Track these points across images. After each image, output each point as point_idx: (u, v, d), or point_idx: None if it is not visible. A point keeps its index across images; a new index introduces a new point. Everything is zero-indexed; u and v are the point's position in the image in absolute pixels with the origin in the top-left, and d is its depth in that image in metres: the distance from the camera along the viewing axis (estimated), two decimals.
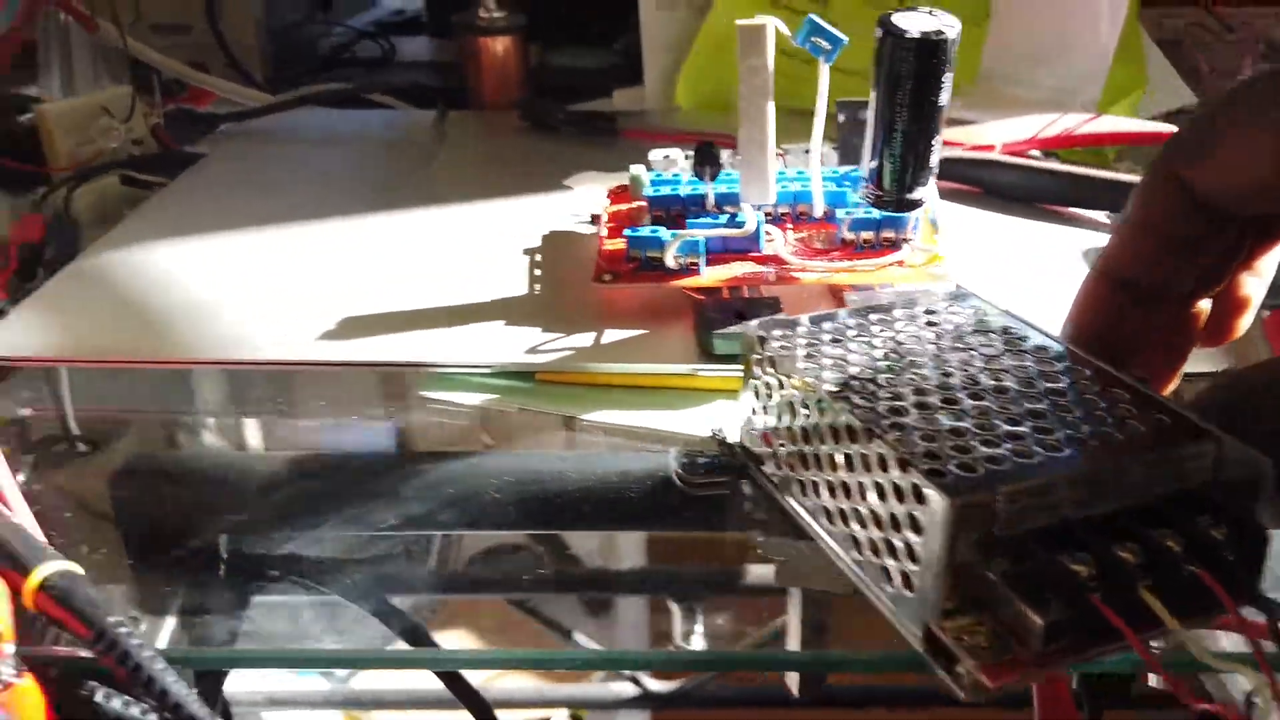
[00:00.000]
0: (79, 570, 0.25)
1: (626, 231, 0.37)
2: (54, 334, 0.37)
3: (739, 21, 0.37)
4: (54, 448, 0.34)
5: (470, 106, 0.63)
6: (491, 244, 0.44)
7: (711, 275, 0.37)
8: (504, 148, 0.57)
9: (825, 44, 0.37)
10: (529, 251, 0.43)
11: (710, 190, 0.39)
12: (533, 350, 0.36)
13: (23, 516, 0.27)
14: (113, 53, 0.66)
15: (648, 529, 0.33)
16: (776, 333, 0.29)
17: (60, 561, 0.25)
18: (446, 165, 0.55)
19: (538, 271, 0.41)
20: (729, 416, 0.33)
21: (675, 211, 0.40)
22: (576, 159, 0.53)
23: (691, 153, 0.45)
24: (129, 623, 0.24)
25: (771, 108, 0.37)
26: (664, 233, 0.37)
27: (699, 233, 0.37)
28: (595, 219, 0.45)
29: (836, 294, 0.38)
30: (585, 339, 0.36)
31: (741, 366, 0.29)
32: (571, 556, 0.32)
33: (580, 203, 0.47)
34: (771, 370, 0.28)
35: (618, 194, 0.43)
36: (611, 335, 0.36)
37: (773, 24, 0.36)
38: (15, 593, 0.25)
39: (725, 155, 0.39)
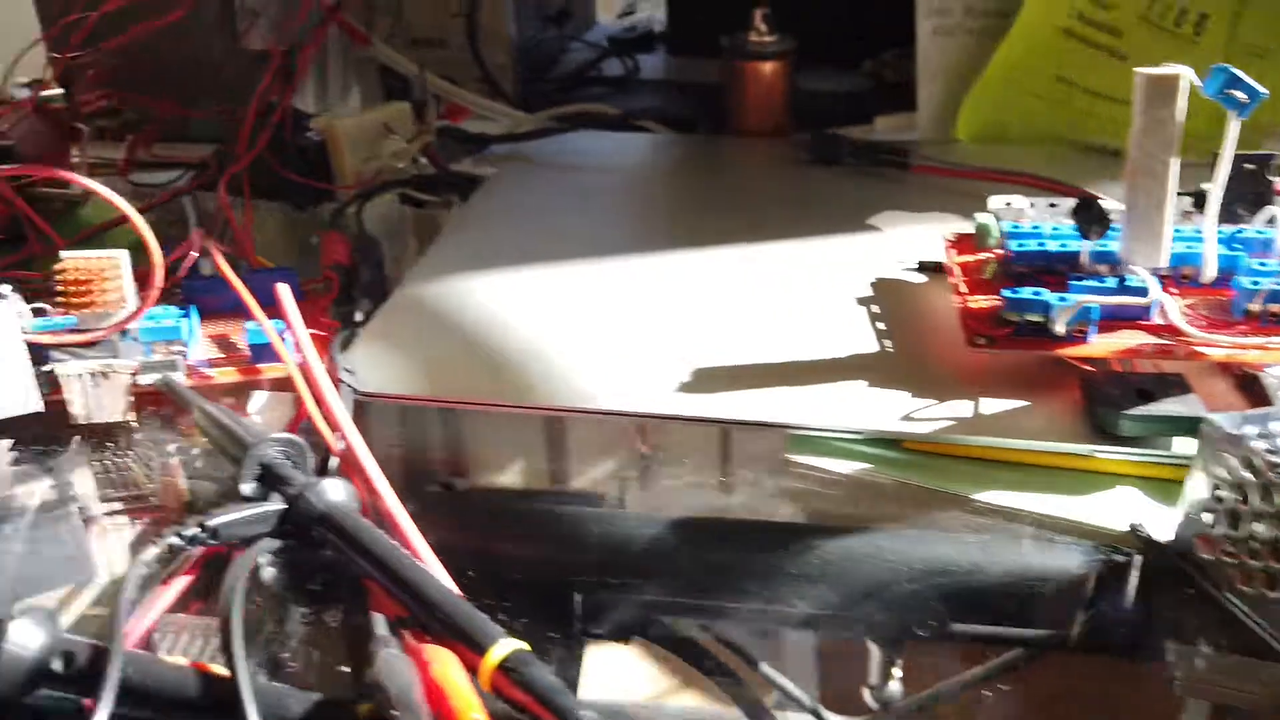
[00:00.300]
0: (529, 649, 0.24)
1: (1005, 292, 0.35)
2: (400, 370, 0.37)
3: (1143, 71, 0.34)
4: (427, 488, 0.33)
5: (729, 131, 0.61)
6: (814, 289, 0.42)
7: (1102, 345, 0.34)
8: (784, 179, 0.55)
9: (1242, 96, 0.33)
10: (863, 302, 0.40)
11: (1085, 248, 0.36)
12: (906, 418, 0.34)
13: (447, 583, 0.26)
14: (367, 66, 0.67)
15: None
16: (1250, 429, 0.26)
17: (512, 640, 0.24)
18: (729, 196, 0.53)
19: (880, 325, 0.39)
20: (1149, 509, 0.31)
21: (1040, 268, 0.37)
22: (868, 195, 0.51)
23: (1028, 199, 0.42)
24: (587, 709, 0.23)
25: (1176, 165, 0.34)
26: (1049, 295, 0.34)
27: (1092, 299, 0.34)
28: (926, 267, 0.42)
29: (1235, 372, 0.35)
30: (960, 407, 0.34)
31: (1159, 452, 0.26)
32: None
33: (897, 245, 0.45)
34: (1257, 473, 0.25)
35: (960, 243, 0.41)
36: (989, 405, 0.34)
37: (1187, 76, 0.33)
38: (470, 670, 0.24)
39: (1104, 207, 0.36)
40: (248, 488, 0.29)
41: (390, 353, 0.38)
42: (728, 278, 0.43)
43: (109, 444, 0.34)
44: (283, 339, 0.36)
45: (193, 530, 0.26)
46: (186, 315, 0.39)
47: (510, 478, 0.35)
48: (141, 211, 0.51)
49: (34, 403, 0.32)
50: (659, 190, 0.55)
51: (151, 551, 0.25)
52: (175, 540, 0.25)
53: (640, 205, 0.52)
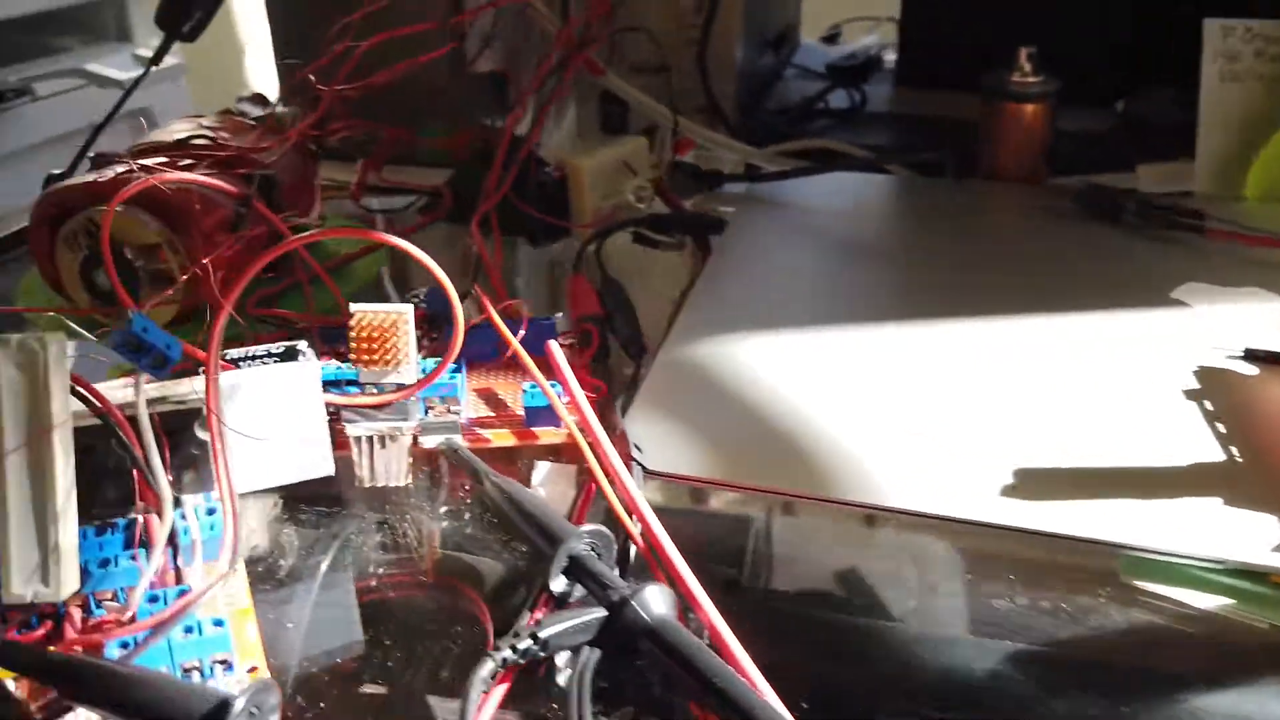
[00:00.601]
0: None
1: None
2: (682, 446, 0.34)
3: None
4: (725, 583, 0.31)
5: (979, 174, 0.57)
6: (1124, 374, 0.37)
7: None
8: (1056, 235, 0.50)
9: None
10: (1190, 395, 0.36)
11: None
12: (1278, 549, 0.29)
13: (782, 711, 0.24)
14: (588, 93, 0.66)
15: None
16: None
17: None
18: (999, 253, 0.49)
19: (1219, 427, 0.34)
20: None
21: None
22: (1158, 261, 0.46)
23: None
24: None
25: None
26: None
27: None
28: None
29: None
30: None
31: None
32: None
33: (1209, 325, 0.40)
34: None
35: None
36: None
37: None
38: None
39: None
40: (558, 584, 0.27)
41: (668, 425, 0.35)
42: (1022, 354, 0.39)
43: (384, 506, 0.33)
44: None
45: (525, 643, 0.24)
46: (459, 369, 0.37)
47: (802, 579, 0.32)
48: (372, 250, 0.52)
49: (328, 466, 0.31)
50: (920, 242, 0.51)
51: (488, 667, 0.23)
52: (509, 654, 0.24)
53: (903, 259, 0.49)
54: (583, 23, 0.52)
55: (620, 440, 0.33)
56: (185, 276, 0.41)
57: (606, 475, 0.31)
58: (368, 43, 0.46)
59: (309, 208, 0.52)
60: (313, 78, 0.47)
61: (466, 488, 0.34)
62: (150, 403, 0.28)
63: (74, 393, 0.26)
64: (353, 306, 0.34)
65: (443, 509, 0.34)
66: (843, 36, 0.89)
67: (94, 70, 0.73)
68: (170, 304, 0.43)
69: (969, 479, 0.32)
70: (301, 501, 0.33)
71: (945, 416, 0.36)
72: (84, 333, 0.29)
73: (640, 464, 0.32)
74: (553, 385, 0.35)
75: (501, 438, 0.35)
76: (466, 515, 0.33)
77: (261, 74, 1.35)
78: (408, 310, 0.34)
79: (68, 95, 0.83)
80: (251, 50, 1.28)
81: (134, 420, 0.27)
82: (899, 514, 0.32)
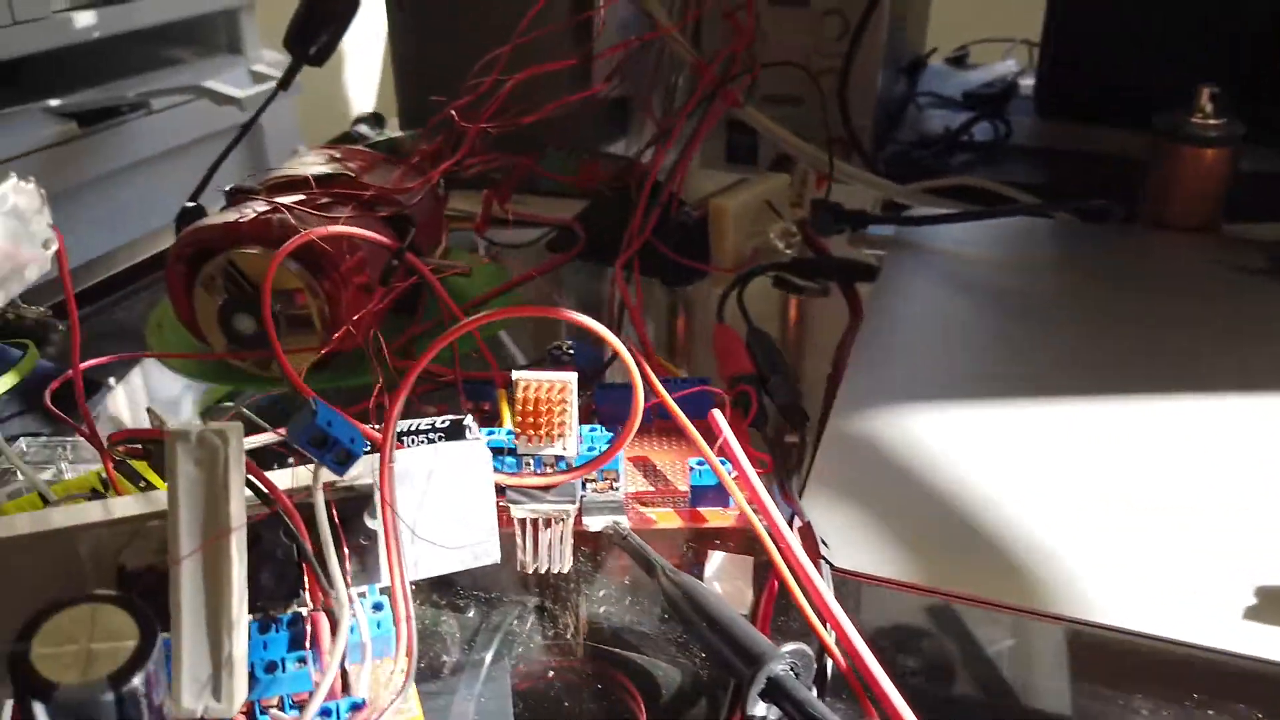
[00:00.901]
0: None
1: None
2: (868, 540, 0.31)
3: None
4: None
5: (1141, 218, 0.53)
6: None
7: None
8: (1247, 293, 0.45)
9: None
10: None
11: None
12: None
13: None
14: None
15: None
16: None
17: None
18: (1193, 317, 0.44)
19: None
20: None
21: None
22: None
23: None
24: None
25: None
26: None
27: None
28: None
29: None
30: None
31: None
32: None
33: None
34: None
35: None
36: None
37: None
38: None
39: None
40: (757, 709, 0.25)
41: (849, 512, 0.32)
42: (1235, 436, 0.35)
43: (545, 592, 0.31)
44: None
45: None
46: (613, 435, 0.35)
47: (1009, 696, 0.29)
48: (517, 283, 0.50)
49: (495, 553, 0.29)
50: (1096, 298, 0.46)
51: None
52: None
53: (1080, 318, 0.44)
54: (727, 56, 0.50)
55: (806, 533, 0.30)
56: (332, 326, 0.39)
57: (793, 572, 0.28)
58: (514, 78, 0.44)
59: (437, 242, 0.50)
60: (454, 113, 0.45)
61: (632, 575, 0.32)
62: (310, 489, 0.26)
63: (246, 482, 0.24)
64: (515, 374, 0.32)
65: (609, 599, 0.31)
66: (969, 58, 0.85)
67: (212, 87, 0.73)
68: (310, 350, 0.41)
69: (1200, 592, 0.29)
70: (458, 586, 0.30)
71: (1160, 510, 0.32)
72: (263, 423, 0.27)
73: (829, 562, 0.30)
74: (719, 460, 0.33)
75: (665, 518, 0.33)
76: (635, 607, 0.31)
77: (361, 87, 1.36)
78: (571, 380, 0.32)
79: (180, 108, 0.83)
80: (355, 66, 1.28)
81: (300, 506, 0.25)
82: (1124, 634, 0.28)
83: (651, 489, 0.34)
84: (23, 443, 0.36)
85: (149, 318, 0.46)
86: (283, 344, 0.41)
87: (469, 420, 0.30)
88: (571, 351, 0.41)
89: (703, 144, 0.68)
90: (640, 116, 0.68)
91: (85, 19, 0.76)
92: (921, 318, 0.45)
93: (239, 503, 0.22)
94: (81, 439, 0.35)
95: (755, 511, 0.31)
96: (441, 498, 0.28)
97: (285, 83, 0.57)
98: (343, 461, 0.23)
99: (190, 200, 0.61)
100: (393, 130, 0.73)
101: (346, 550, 0.25)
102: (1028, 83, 0.74)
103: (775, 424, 0.39)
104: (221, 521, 0.22)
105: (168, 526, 0.22)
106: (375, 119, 0.73)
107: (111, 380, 0.43)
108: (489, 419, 0.38)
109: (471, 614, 0.30)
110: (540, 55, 0.62)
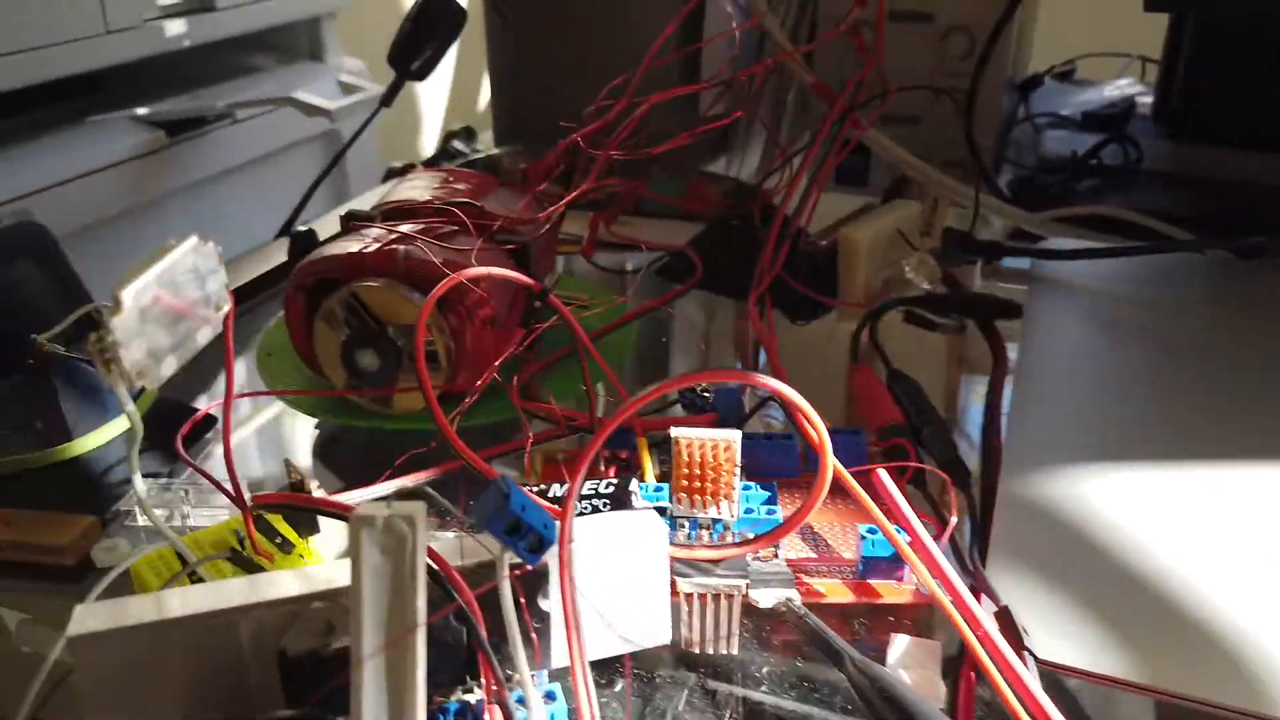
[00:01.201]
0: None
1: None
2: (1065, 625, 0.28)
3: None
4: None
5: None
6: None
7: None
8: None
9: None
10: None
11: None
12: None
13: None
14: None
15: None
16: None
17: None
18: None
19: None
20: None
21: None
22: None
23: None
24: None
25: None
26: None
27: None
28: None
29: None
30: None
31: None
32: None
33: None
34: None
35: None
36: None
37: None
38: None
39: None
40: None
41: (1038, 592, 0.30)
42: None
43: (713, 673, 0.29)
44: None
45: None
46: (769, 493, 0.33)
47: None
48: (637, 315, 0.47)
49: (666, 632, 0.26)
50: (1268, 346, 0.43)
51: None
52: None
53: (1256, 369, 0.41)
54: (855, 84, 0.47)
55: (1004, 618, 0.27)
56: (456, 363, 0.37)
57: (994, 663, 0.26)
58: (649, 100, 0.42)
59: (549, 268, 0.48)
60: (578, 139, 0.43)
61: (802, 654, 0.29)
62: (482, 566, 0.24)
63: None
64: (674, 431, 0.30)
65: (778, 680, 0.29)
66: (1077, 73, 0.82)
67: (302, 98, 0.72)
68: (404, 391, 0.39)
69: None
70: (616, 665, 0.28)
71: None
72: (446, 503, 0.25)
73: (1032, 653, 0.27)
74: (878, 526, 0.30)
75: (834, 591, 0.30)
76: (814, 695, 0.28)
77: (435, 98, 1.34)
78: (735, 439, 0.30)
79: (264, 117, 0.82)
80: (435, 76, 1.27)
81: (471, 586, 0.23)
82: None
83: (813, 556, 0.31)
84: (141, 485, 0.34)
85: (258, 344, 0.45)
86: (403, 381, 0.40)
87: (633, 486, 0.28)
88: (708, 394, 0.39)
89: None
90: (742, 136, 0.66)
91: (176, 27, 0.75)
92: (1078, 363, 0.41)
93: (424, 595, 0.20)
94: (198, 474, 0.33)
95: (941, 589, 0.28)
96: (611, 572, 0.26)
97: (388, 99, 0.56)
98: (535, 550, 0.21)
99: (293, 220, 0.60)
100: (484, 144, 0.72)
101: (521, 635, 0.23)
102: (1143, 100, 0.71)
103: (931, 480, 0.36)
104: (408, 617, 0.20)
105: (351, 622, 0.20)
106: (467, 133, 0.71)
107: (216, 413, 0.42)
108: (625, 467, 0.36)
109: (638, 697, 0.27)
110: (650, 76, 0.60)
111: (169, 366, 0.20)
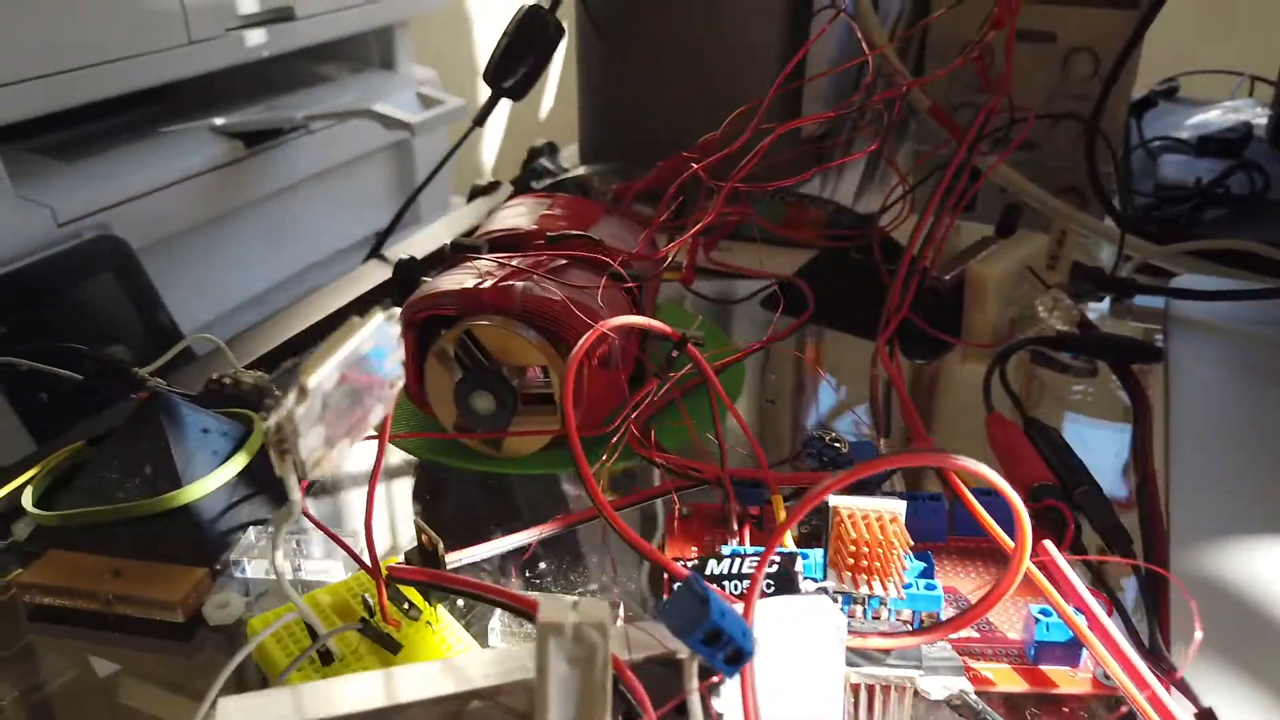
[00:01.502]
0: None
1: None
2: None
3: None
4: None
5: None
6: None
7: None
8: None
9: None
10: None
11: None
12: None
13: None
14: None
15: None
16: None
17: None
18: None
19: None
20: None
21: None
22: None
23: None
24: None
25: None
26: None
27: None
28: None
29: None
30: None
31: None
32: None
33: None
34: None
35: None
36: None
37: None
38: None
39: None
40: None
41: (1231, 686, 0.27)
42: None
43: None
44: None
45: None
46: (925, 564, 0.30)
47: None
48: (750, 353, 0.45)
49: None
50: None
51: None
52: None
53: None
54: (983, 118, 0.44)
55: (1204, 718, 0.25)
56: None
57: None
58: (778, 129, 0.40)
59: (653, 301, 0.46)
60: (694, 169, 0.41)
61: None
62: (651, 660, 0.21)
63: None
64: (834, 501, 0.27)
65: None
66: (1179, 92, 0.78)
67: (383, 111, 0.70)
68: (543, 434, 0.37)
69: None
70: None
71: None
72: (646, 620, 0.23)
73: None
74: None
75: (1004, 678, 0.28)
76: None
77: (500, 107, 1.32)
78: (901, 511, 0.27)
79: (337, 127, 0.81)
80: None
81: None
82: None
83: (976, 636, 0.29)
84: (251, 533, 0.33)
85: None
86: (516, 424, 0.38)
87: (799, 567, 0.25)
88: (839, 444, 0.36)
89: (915, 190, 0.63)
90: (839, 157, 0.63)
91: (256, 37, 0.74)
92: (1234, 418, 0.38)
93: (611, 707, 0.18)
94: (310, 523, 0.31)
95: (1132, 683, 0.25)
96: (782, 663, 0.23)
97: (482, 118, 0.54)
98: (734, 662, 0.18)
99: (382, 242, 0.58)
100: (567, 159, 0.70)
101: None
102: (1257, 121, 0.67)
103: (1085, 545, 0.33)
104: None
105: None
106: (550, 148, 0.69)
107: None
108: (758, 525, 0.33)
109: None
110: (750, 96, 0.58)
111: (342, 453, 0.18)
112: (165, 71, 0.68)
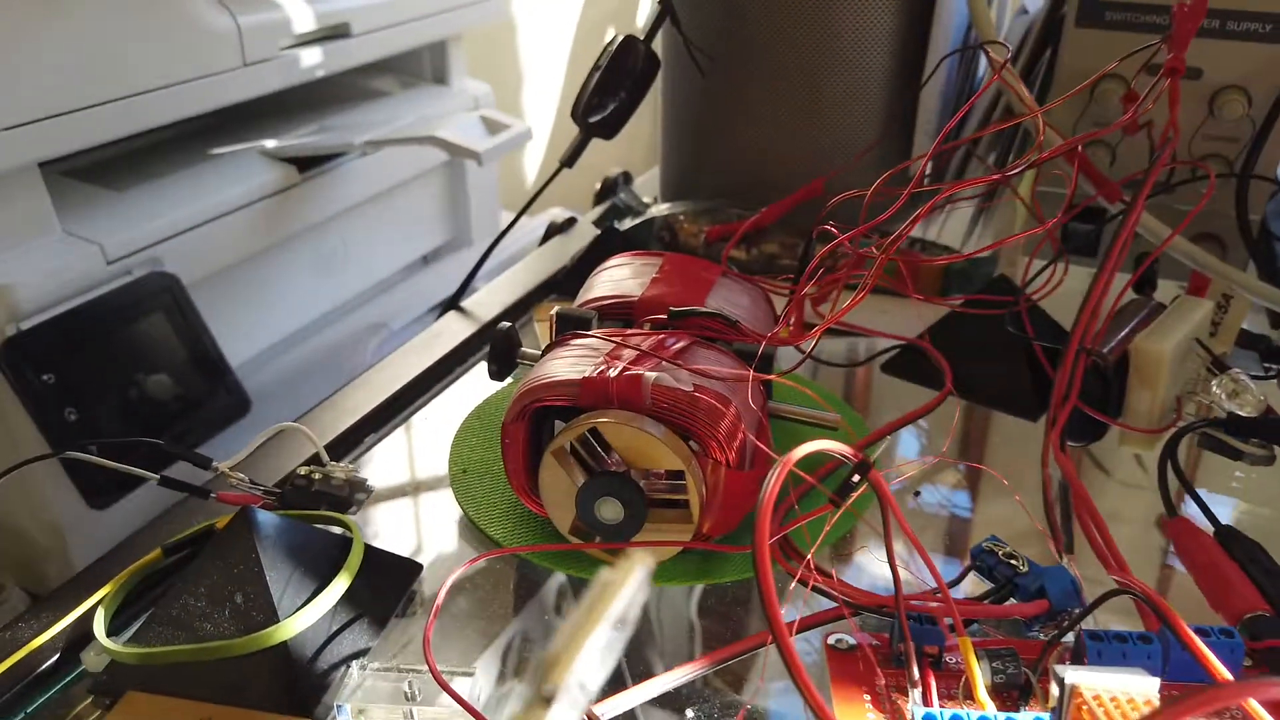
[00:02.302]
0: None
1: None
2: None
3: None
4: None
5: None
6: None
7: None
8: None
9: None
10: None
11: None
12: None
13: None
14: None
15: None
16: None
17: None
18: None
19: None
20: None
21: None
22: None
23: None
24: None
25: None
26: None
27: None
28: None
29: None
30: None
31: None
32: None
33: None
34: None
35: None
36: None
37: None
38: None
39: None
40: None
41: None
42: None
43: None
44: None
45: None
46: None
47: None
48: (886, 432, 0.40)
49: None
50: None
51: None
52: None
53: None
54: (1155, 177, 0.39)
55: None
56: (707, 509, 0.31)
57: None
58: (943, 192, 0.35)
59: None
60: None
61: None
62: None
63: None
64: (1070, 678, 0.23)
65: None
66: None
67: (449, 140, 0.66)
68: (675, 545, 0.33)
69: None
70: None
71: None
72: None
73: None
74: None
75: None
76: None
77: (538, 127, 1.28)
78: (1154, 692, 0.23)
79: (389, 150, 0.77)
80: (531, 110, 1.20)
81: None
82: None
83: None
84: (355, 670, 0.28)
85: (450, 457, 0.39)
86: (646, 534, 0.33)
87: None
88: (1015, 562, 0.32)
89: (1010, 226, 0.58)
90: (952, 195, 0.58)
91: (312, 56, 0.70)
92: None
93: None
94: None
95: None
96: None
97: (571, 160, 0.50)
98: None
99: (461, 293, 0.53)
100: (636, 190, 0.65)
101: None
102: None
103: None
104: None
105: None
106: (625, 178, 0.64)
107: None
108: (936, 666, 0.29)
109: None
110: (857, 138, 0.53)
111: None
112: (221, 96, 0.64)
